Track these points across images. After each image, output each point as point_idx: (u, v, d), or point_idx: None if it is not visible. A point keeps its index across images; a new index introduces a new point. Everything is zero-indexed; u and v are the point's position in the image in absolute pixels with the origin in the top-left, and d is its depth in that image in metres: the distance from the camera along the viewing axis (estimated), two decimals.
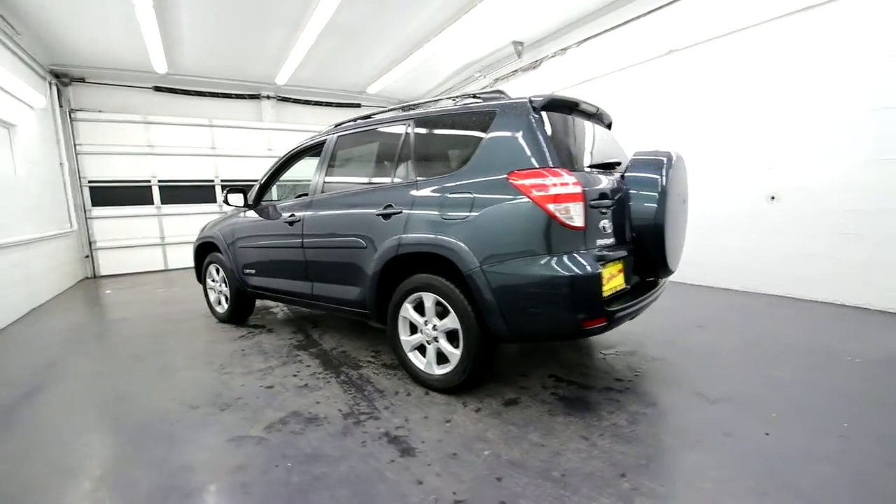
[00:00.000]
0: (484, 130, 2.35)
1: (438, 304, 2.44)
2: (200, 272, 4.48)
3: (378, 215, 2.64)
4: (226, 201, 3.77)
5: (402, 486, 1.71)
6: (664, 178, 2.35)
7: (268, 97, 9.13)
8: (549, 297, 2.04)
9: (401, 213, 2.52)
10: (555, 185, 2.04)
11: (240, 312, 4.18)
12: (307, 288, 3.26)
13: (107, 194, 7.80)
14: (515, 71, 7.61)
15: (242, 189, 3.75)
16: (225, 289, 4.16)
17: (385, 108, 3.22)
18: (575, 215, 2.04)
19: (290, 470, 1.84)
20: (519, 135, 2.22)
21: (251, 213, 3.79)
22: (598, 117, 2.78)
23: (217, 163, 8.69)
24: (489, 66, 7.77)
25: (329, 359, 3.16)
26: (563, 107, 2.41)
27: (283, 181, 4.10)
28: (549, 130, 2.20)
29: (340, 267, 2.94)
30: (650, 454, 1.87)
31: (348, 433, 2.12)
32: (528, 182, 2.09)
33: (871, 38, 3.67)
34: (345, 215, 2.88)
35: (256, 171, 9.07)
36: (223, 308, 4.25)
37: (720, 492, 1.62)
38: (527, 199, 2.07)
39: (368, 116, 3.26)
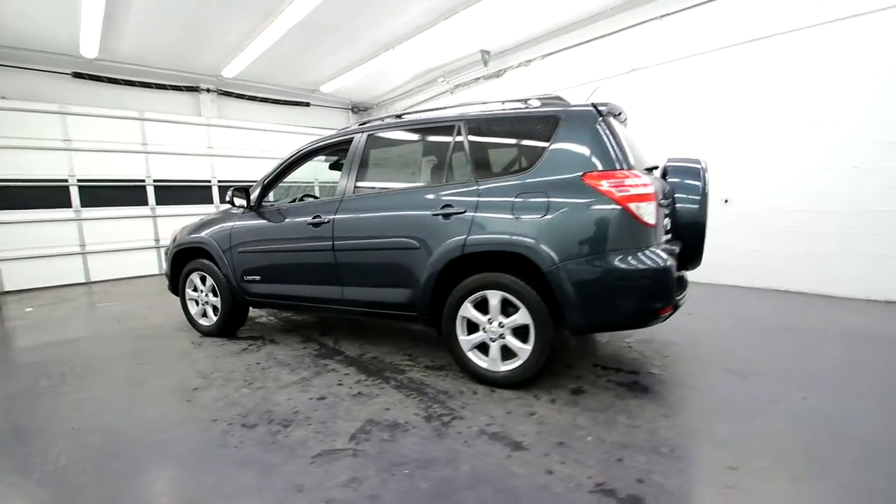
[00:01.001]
0: (550, 134, 2.46)
1: (504, 301, 2.49)
2: (176, 282, 3.99)
3: (435, 216, 2.61)
4: (231, 202, 3.43)
5: (536, 477, 1.74)
6: (705, 182, 2.66)
7: (208, 90, 8.37)
8: (632, 288, 2.21)
9: (463, 213, 2.53)
10: (634, 185, 2.21)
11: (232, 324, 3.81)
12: (335, 293, 3.09)
13: (10, 195, 6.55)
14: (478, 78, 7.85)
15: (246, 189, 3.44)
16: (213, 299, 3.76)
17: (408, 111, 3.18)
18: (649, 213, 2.23)
19: (412, 476, 1.77)
20: (589, 138, 2.36)
21: (250, 216, 3.49)
22: (625, 124, 3.04)
23: (149, 160, 7.74)
24: (452, 72, 7.91)
25: (365, 366, 3.03)
26: (614, 113, 2.61)
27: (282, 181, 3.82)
28: (613, 134, 2.38)
29: (384, 269, 2.85)
30: (727, 423, 2.10)
31: (442, 435, 2.08)
32: (606, 182, 2.24)
33: (800, 69, 4.44)
34: (391, 217, 2.80)
35: (196, 170, 8.27)
36: (210, 320, 3.83)
37: (803, 445, 1.88)
38: (606, 199, 2.22)
39: (399, 116, 3.19)
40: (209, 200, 8.52)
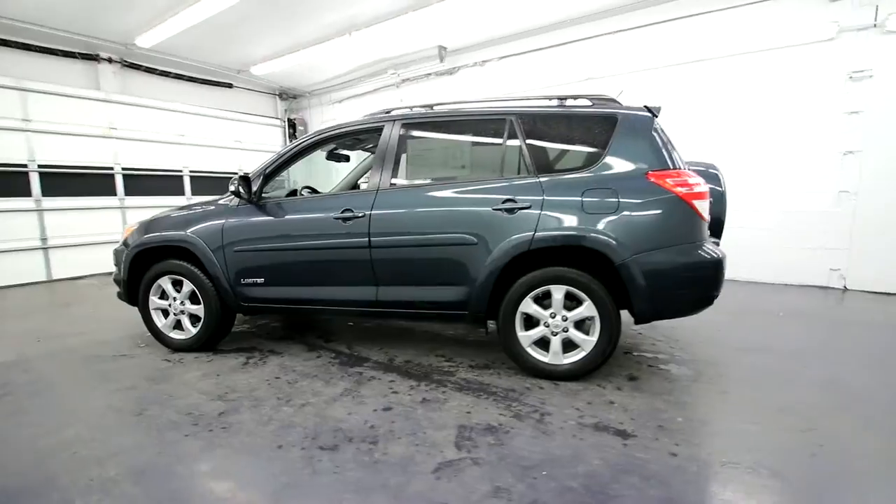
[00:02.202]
0: (609, 133, 2.55)
1: (567, 295, 2.53)
2: (133, 289, 3.29)
3: (497, 210, 2.55)
4: (236, 193, 2.92)
5: (666, 460, 1.82)
6: (723, 183, 3.01)
7: (110, 60, 6.99)
8: (697, 279, 2.41)
9: (528, 208, 2.51)
10: (696, 183, 2.41)
11: (217, 336, 3.26)
12: (368, 294, 2.83)
13: None
14: (429, 74, 7.78)
15: (249, 179, 2.96)
16: (192, 307, 3.18)
17: (442, 102, 3.04)
18: (705, 209, 2.45)
19: (554, 477, 1.72)
20: (648, 139, 2.51)
21: (248, 210, 3.03)
22: None
23: (32, 140, 6.22)
24: (403, 65, 7.71)
25: (405, 370, 2.83)
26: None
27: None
28: (666, 136, 2.56)
29: (434, 267, 2.70)
30: (778, 393, 2.41)
31: (549, 433, 2.05)
32: (671, 181, 2.40)
33: (741, 89, 5.23)
34: (445, 212, 2.65)
35: (94, 153, 6.88)
36: (186, 333, 3.23)
37: (826, 396, 2.25)
38: (672, 195, 2.39)
39: (430, 107, 3.03)
40: (111, 191, 7.14)
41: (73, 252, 6.69)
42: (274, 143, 9.88)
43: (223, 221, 3.06)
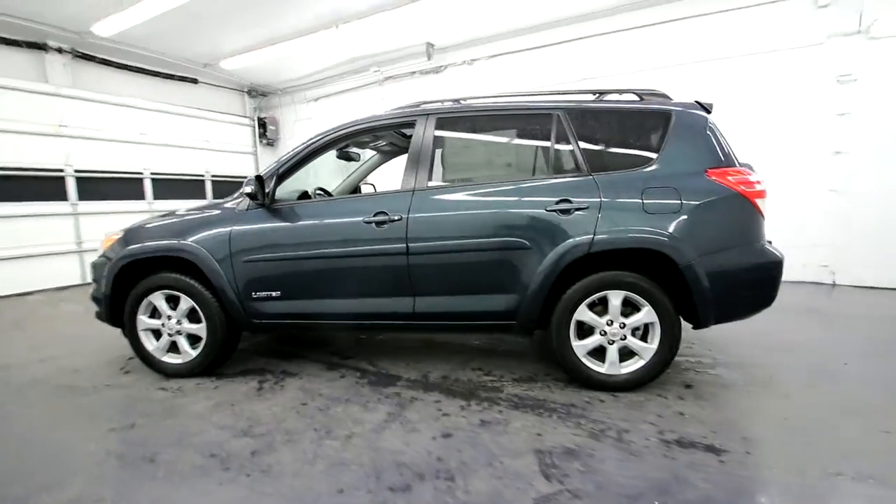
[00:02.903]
0: (664, 129, 2.43)
1: (624, 300, 2.39)
2: (117, 308, 2.84)
3: (552, 211, 2.36)
4: (253, 196, 2.56)
5: (772, 476, 1.70)
6: None
7: (59, 50, 6.24)
8: (761, 279, 2.32)
9: (585, 209, 2.34)
10: (758, 181, 2.33)
11: (222, 358, 2.87)
12: (404, 306, 2.56)
13: None
14: (414, 72, 7.52)
15: (263, 180, 2.60)
16: (191, 326, 2.78)
17: (471, 97, 2.82)
18: (765, 207, 2.37)
19: None
20: (704, 135, 2.40)
21: (259, 215, 2.68)
22: None
23: None
24: (387, 63, 7.40)
25: (446, 388, 2.58)
26: None
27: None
28: (720, 132, 2.47)
29: (481, 274, 2.47)
30: (835, 393, 2.36)
31: (636, 453, 1.88)
32: (732, 178, 2.31)
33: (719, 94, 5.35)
34: (494, 214, 2.43)
35: (42, 154, 6.11)
36: (185, 356, 2.81)
37: (880, 393, 2.24)
38: (734, 193, 2.29)
39: (458, 101, 2.80)
40: (61, 196, 6.36)
41: (19, 265, 5.90)
42: (243, 143, 9.26)
43: (230, 228, 2.68)
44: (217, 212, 2.81)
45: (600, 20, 5.92)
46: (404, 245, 2.48)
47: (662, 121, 2.45)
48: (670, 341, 2.37)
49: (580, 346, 2.45)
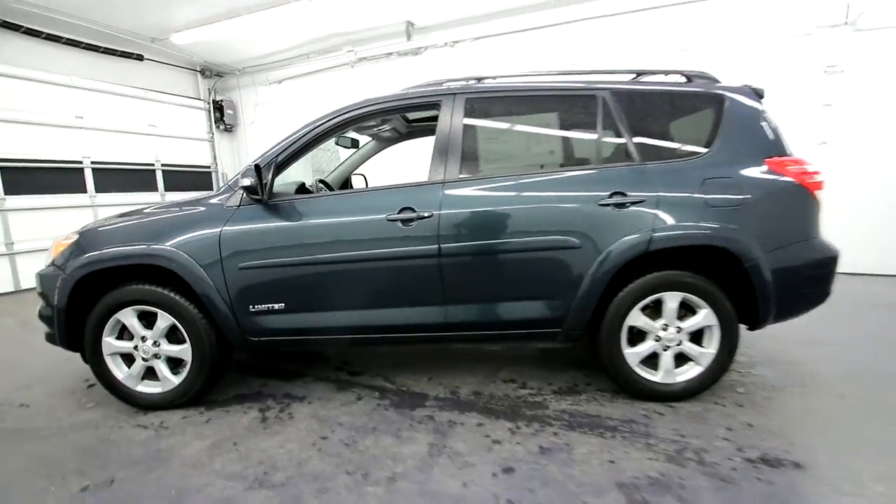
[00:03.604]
0: (718, 114, 2.22)
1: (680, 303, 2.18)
2: (76, 329, 2.31)
3: (604, 205, 2.09)
4: (251, 190, 2.10)
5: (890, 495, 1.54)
6: None
7: None
8: (822, 275, 2.18)
9: (641, 202, 2.09)
10: (817, 172, 2.17)
11: (210, 382, 2.41)
12: (434, 316, 2.23)
13: None
14: (391, 54, 7.03)
15: (260, 171, 2.14)
16: (172, 348, 2.31)
17: (498, 76, 2.49)
18: (822, 200, 2.23)
19: None
20: (759, 121, 2.22)
21: (254, 213, 2.23)
22: None
23: None
24: (361, 42, 6.87)
25: (486, 407, 2.27)
26: None
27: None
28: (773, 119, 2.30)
29: (524, 277, 2.18)
30: (888, 391, 2.28)
31: (728, 479, 1.67)
32: (793, 168, 2.14)
33: None
34: (539, 209, 2.13)
35: None
36: (166, 384, 2.32)
37: None
38: (796, 184, 2.12)
39: (479, 79, 2.46)
40: None
41: None
42: (197, 128, 8.41)
43: (219, 229, 2.22)
44: (200, 209, 2.32)
45: (589, 3, 5.71)
46: (436, 246, 2.14)
47: (716, 105, 2.24)
48: (730, 345, 2.19)
49: (632, 354, 2.23)
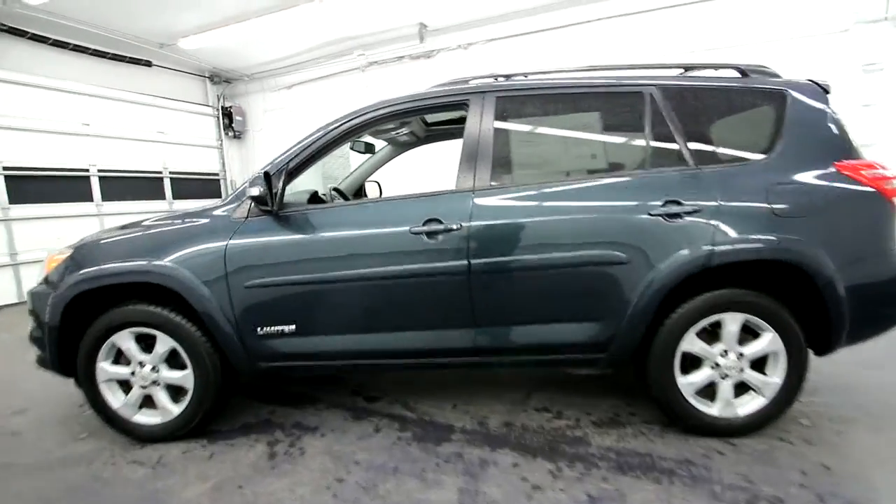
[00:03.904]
0: (780, 112, 1.97)
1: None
2: (69, 353, 2.11)
3: (656, 216, 1.85)
4: (260, 200, 1.89)
5: None
6: None
7: None
8: None
9: (698, 212, 1.84)
10: (893, 177, 1.92)
11: (213, 412, 2.19)
12: (462, 340, 1.99)
13: None
14: (402, 57, 6.86)
15: (270, 179, 1.93)
16: (172, 375, 2.09)
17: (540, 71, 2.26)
18: None
19: None
20: (826, 119, 1.98)
21: (262, 226, 2.02)
22: None
23: None
24: (372, 45, 6.71)
25: (519, 442, 2.02)
26: None
27: None
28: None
29: (564, 297, 1.94)
30: None
31: None
32: (867, 173, 1.88)
33: None
34: (578, 220, 1.89)
35: None
36: (164, 413, 2.11)
37: None
38: (873, 192, 1.87)
39: (507, 77, 2.23)
40: None
41: None
42: (206, 135, 8.30)
43: (224, 243, 2.00)
44: (203, 221, 2.12)
45: (607, 2, 5.49)
46: (465, 261, 1.90)
47: (777, 102, 1.99)
48: (798, 373, 1.93)
49: (687, 384, 1.97)
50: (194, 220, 2.13)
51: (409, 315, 2.01)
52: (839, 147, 1.95)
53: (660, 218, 1.86)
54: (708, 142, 1.99)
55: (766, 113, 2.01)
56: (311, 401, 2.54)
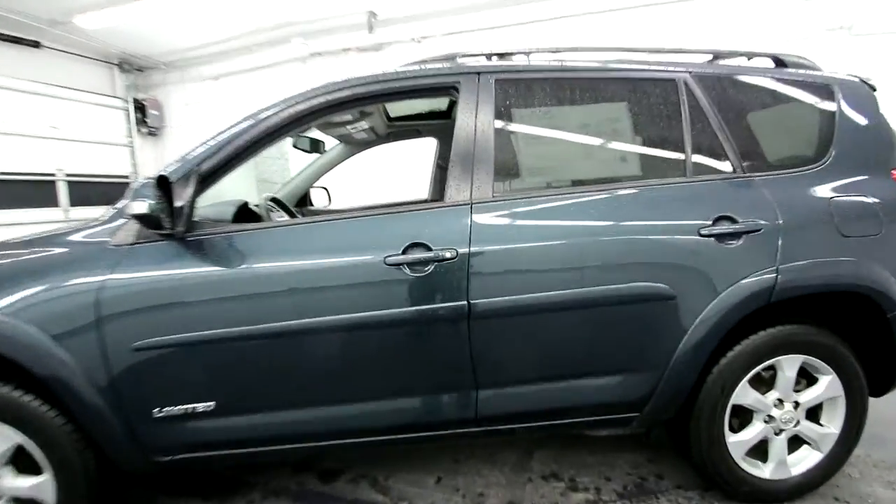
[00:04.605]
0: (829, 110, 1.65)
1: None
2: None
3: (706, 237, 1.43)
4: (149, 221, 1.22)
5: None
6: None
7: None
8: None
9: (759, 230, 1.45)
10: None
11: None
12: (459, 407, 1.46)
13: None
14: (348, 49, 6.19)
15: (170, 188, 1.28)
16: (18, 484, 1.37)
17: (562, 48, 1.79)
18: None
19: None
20: (877, 119, 1.68)
21: (161, 255, 1.37)
22: None
23: None
24: (314, 34, 5.99)
25: None
26: None
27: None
28: None
29: (592, 343, 1.47)
30: None
31: None
32: None
33: None
34: (608, 243, 1.43)
35: None
36: None
37: None
38: None
39: (501, 56, 1.74)
40: None
41: None
42: (114, 131, 7.07)
43: (97, 281, 1.31)
44: (61, 250, 1.41)
45: None
46: (463, 302, 1.37)
47: (826, 99, 1.67)
48: (858, 420, 1.61)
49: (738, 444, 1.57)
50: (48, 248, 1.42)
51: (384, 378, 1.44)
52: (892, 150, 1.66)
53: (711, 239, 1.44)
54: (755, 143, 1.61)
55: (814, 111, 1.68)
56: (242, 487, 1.87)
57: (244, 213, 1.76)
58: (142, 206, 1.19)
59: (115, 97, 7.08)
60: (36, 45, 5.87)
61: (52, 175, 6.20)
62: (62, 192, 6.27)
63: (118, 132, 7.17)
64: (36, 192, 6.02)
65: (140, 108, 7.22)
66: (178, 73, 7.22)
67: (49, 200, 6.15)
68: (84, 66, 6.63)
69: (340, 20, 5.67)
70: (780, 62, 1.79)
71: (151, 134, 7.41)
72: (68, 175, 6.36)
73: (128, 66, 7.09)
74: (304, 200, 2.85)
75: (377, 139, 2.63)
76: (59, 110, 6.27)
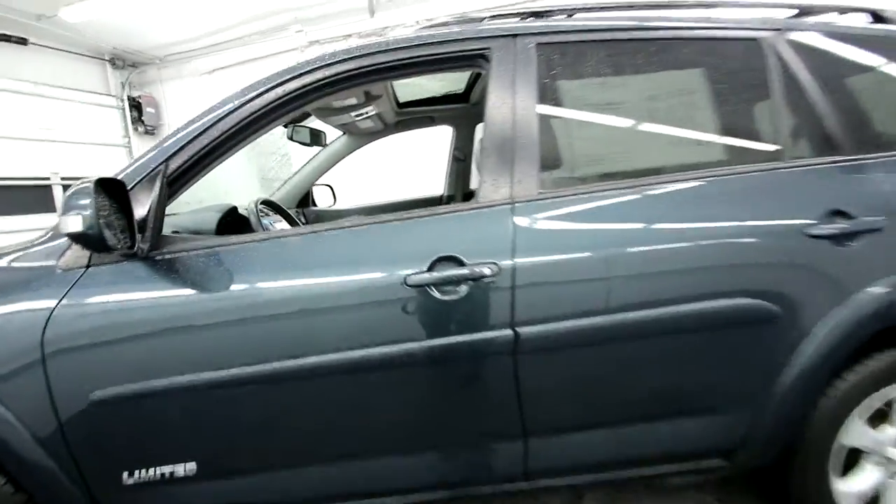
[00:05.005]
0: None
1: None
2: None
3: (814, 237, 1.12)
4: (90, 241, 0.93)
5: None
6: None
7: None
8: None
9: (880, 229, 1.13)
10: None
11: None
12: (505, 459, 1.17)
13: None
14: (349, 35, 5.86)
15: (125, 188, 0.99)
16: None
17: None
18: None
19: None
20: None
21: (120, 278, 1.07)
22: None
23: None
24: (312, 21, 5.67)
25: None
26: None
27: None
28: None
29: (672, 376, 1.16)
30: None
31: None
32: None
33: None
34: (691, 248, 1.11)
35: None
36: None
37: None
38: None
39: (538, 14, 1.42)
40: None
41: None
42: (109, 131, 6.82)
43: (42, 317, 1.03)
44: None
45: None
46: (508, 331, 1.07)
47: None
48: None
49: (849, 494, 1.26)
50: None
51: (405, 428, 1.15)
52: None
53: (824, 241, 1.12)
54: (864, 117, 1.29)
55: None
56: None
57: (232, 222, 1.47)
58: (76, 223, 0.88)
59: (109, 95, 6.82)
60: (23, 42, 5.60)
61: (47, 179, 5.98)
62: (58, 197, 6.05)
63: (114, 132, 6.92)
64: (30, 197, 5.81)
65: (136, 105, 6.96)
66: (173, 69, 6.94)
67: (44, 206, 5.93)
68: (75, 64, 6.36)
69: (340, 4, 5.35)
70: (879, 17, 1.45)
71: (148, 132, 7.15)
72: (63, 178, 6.13)
73: (120, 61, 6.81)
74: (305, 200, 2.57)
75: (385, 129, 2.32)
76: (51, 111, 6.03)
